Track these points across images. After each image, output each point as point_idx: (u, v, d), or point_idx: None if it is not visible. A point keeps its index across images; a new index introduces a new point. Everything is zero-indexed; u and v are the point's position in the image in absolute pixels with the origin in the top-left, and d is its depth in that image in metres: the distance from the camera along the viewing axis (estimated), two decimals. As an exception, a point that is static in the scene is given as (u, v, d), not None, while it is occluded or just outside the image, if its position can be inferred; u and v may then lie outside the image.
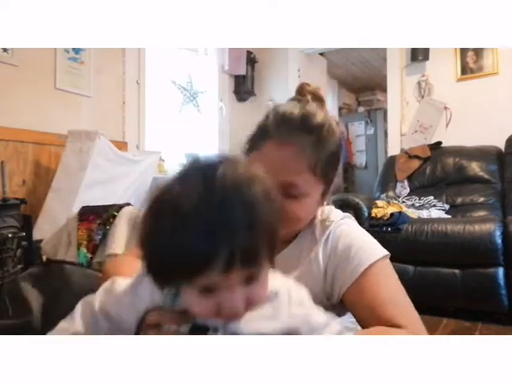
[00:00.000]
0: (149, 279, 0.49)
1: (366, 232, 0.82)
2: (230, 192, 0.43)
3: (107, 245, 1.66)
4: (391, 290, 0.74)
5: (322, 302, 0.65)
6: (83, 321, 0.55)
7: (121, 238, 1.64)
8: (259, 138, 0.74)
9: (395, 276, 0.77)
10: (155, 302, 0.52)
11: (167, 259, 0.44)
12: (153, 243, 0.46)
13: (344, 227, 0.80)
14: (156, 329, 0.50)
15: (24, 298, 0.83)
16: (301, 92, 0.79)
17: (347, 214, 0.85)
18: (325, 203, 0.81)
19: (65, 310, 0.77)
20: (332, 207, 0.85)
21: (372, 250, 0.76)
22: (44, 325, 0.78)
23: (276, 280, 0.53)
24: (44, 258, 1.90)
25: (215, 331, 0.49)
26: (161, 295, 0.52)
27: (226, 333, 0.49)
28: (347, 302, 0.76)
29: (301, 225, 0.79)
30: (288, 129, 0.71)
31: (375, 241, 0.80)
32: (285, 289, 0.53)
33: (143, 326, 0.51)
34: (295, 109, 0.73)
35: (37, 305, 0.81)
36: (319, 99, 0.77)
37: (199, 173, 0.45)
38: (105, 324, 0.55)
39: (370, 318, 0.70)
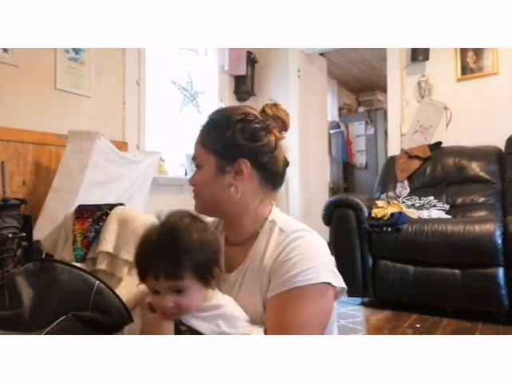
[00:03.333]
0: None
1: (322, 251, 0.79)
2: (165, 236, 0.74)
3: (99, 242, 1.70)
4: (300, 319, 0.73)
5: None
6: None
7: (111, 236, 1.69)
8: None
9: (318, 305, 0.74)
10: None
11: (137, 269, 0.76)
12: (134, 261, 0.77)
13: (301, 241, 0.79)
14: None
15: (17, 291, 0.87)
16: None
17: (305, 227, 0.84)
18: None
19: (51, 306, 0.81)
20: (286, 216, 0.89)
21: (308, 273, 0.74)
22: (32, 319, 0.83)
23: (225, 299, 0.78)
24: (44, 253, 1.92)
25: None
26: None
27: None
28: (265, 307, 0.78)
29: (203, 195, 0.89)
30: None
31: (324, 263, 0.77)
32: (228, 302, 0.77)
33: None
34: None
35: (28, 299, 0.85)
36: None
37: (160, 223, 0.77)
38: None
39: (269, 331, 0.74)
